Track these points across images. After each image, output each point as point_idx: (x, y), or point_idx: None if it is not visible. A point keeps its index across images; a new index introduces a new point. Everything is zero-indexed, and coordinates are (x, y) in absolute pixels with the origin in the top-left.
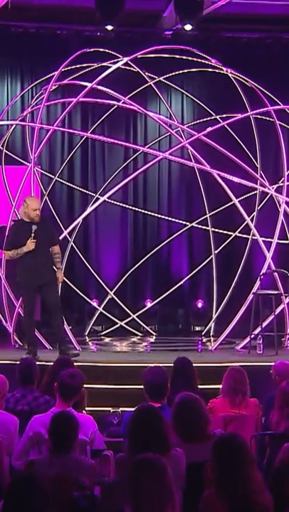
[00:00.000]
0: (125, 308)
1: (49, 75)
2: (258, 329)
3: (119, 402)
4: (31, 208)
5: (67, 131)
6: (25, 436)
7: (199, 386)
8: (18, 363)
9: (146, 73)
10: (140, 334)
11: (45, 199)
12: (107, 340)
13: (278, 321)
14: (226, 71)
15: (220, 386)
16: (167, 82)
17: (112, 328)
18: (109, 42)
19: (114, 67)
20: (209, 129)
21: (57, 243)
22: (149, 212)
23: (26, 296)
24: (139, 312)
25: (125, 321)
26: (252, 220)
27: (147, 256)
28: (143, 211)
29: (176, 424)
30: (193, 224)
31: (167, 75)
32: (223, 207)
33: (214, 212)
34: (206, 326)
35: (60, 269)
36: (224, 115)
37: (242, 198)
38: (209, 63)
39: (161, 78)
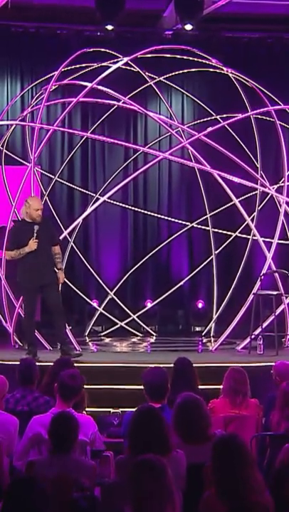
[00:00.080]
0: (125, 309)
1: (49, 75)
2: (259, 330)
3: (120, 402)
4: (33, 208)
5: (67, 131)
6: (25, 437)
7: (200, 386)
8: (18, 363)
9: (147, 73)
10: (140, 335)
11: (45, 199)
12: (107, 340)
13: (279, 322)
14: (227, 71)
15: (220, 386)
16: (167, 82)
17: (112, 328)
18: (110, 42)
19: (114, 67)
20: (210, 129)
21: (58, 243)
22: (149, 213)
23: (27, 297)
24: (140, 312)
25: (125, 322)
26: (252, 220)
27: (147, 256)
28: (143, 211)
29: (177, 424)
30: (194, 224)
31: (167, 75)
32: (223, 207)
33: (214, 212)
34: (206, 327)
35: (61, 270)
36: (224, 115)
37: (242, 198)
38: (210, 63)
39: (161, 78)
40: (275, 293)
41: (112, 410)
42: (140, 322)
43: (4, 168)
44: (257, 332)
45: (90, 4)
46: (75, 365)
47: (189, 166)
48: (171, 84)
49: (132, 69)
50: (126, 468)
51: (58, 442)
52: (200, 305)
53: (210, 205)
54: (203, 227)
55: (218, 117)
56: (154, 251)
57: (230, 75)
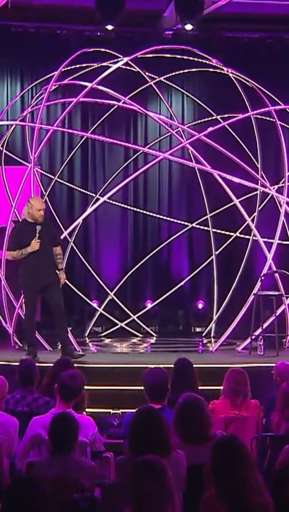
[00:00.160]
0: (125, 309)
1: (49, 75)
2: (259, 330)
3: (120, 403)
4: (35, 209)
5: (67, 131)
6: (25, 438)
7: (200, 387)
8: (18, 364)
9: (147, 73)
10: (140, 335)
11: (45, 199)
12: (107, 341)
13: (279, 322)
14: (227, 71)
15: (220, 387)
16: (168, 82)
17: (113, 329)
18: (110, 42)
19: (114, 67)
20: (210, 129)
21: (59, 244)
22: (150, 213)
23: (28, 297)
24: (140, 313)
25: (125, 322)
26: (253, 220)
27: (148, 257)
28: (143, 212)
29: (178, 424)
30: (194, 224)
31: (168, 75)
32: (223, 207)
33: (215, 212)
34: (206, 327)
35: (62, 270)
36: (225, 115)
37: (243, 198)
38: (210, 63)
39: (161, 78)
40: (275, 293)
41: (112, 411)
42: (140, 323)
43: (4, 169)
44: (257, 333)
45: (90, 4)
46: (75, 365)
47: (189, 166)
48: (172, 84)
49: (132, 69)
50: (126, 469)
51: (58, 443)
52: (200, 305)
53: (210, 206)
54: (203, 227)
55: (218, 117)
56: (155, 251)
57: (231, 75)
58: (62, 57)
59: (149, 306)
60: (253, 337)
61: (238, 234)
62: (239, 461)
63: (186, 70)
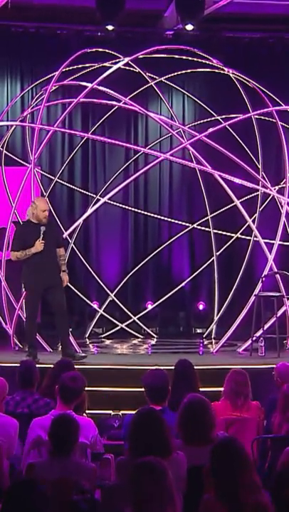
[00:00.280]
0: (126, 311)
1: (49, 76)
2: (260, 331)
3: (120, 405)
4: (40, 209)
5: (68, 132)
6: (27, 441)
7: (201, 389)
8: (18, 365)
9: (147, 73)
10: (141, 336)
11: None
12: (107, 342)
13: (280, 323)
14: (228, 71)
15: (221, 389)
16: (168, 83)
17: (113, 330)
18: (110, 42)
19: (114, 67)
20: (211, 129)
21: (62, 245)
22: (150, 214)
23: (30, 298)
24: (140, 314)
25: (126, 323)
26: (254, 221)
27: (148, 258)
28: (144, 212)
29: (182, 425)
30: (195, 225)
31: (168, 76)
32: (224, 208)
33: (216, 213)
34: (207, 328)
35: (65, 272)
36: (225, 116)
37: (244, 199)
38: (210, 63)
39: (162, 78)
40: (276, 294)
41: (112, 412)
42: (141, 324)
43: (4, 169)
44: (258, 334)
45: (90, 4)
46: (76, 367)
47: (190, 166)
48: (172, 84)
49: (133, 69)
50: (126, 471)
51: (58, 444)
52: (201, 307)
53: (211, 206)
54: (204, 228)
55: (219, 118)
56: (155, 252)
57: (231, 75)
58: (62, 58)
59: (150, 307)
60: (254, 338)
61: (238, 235)
62: (238, 463)
63: (186, 71)
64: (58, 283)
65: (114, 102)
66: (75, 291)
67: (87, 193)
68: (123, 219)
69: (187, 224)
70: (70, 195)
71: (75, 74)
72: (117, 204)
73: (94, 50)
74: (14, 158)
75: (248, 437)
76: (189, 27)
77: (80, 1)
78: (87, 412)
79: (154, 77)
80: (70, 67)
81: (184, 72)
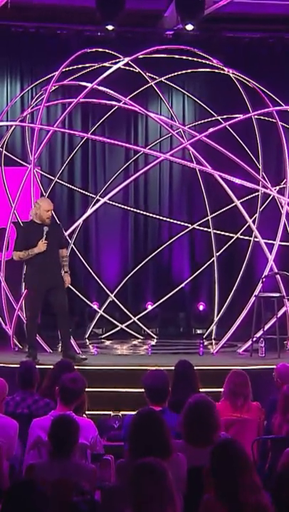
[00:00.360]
0: (126, 311)
1: (49, 76)
2: (260, 332)
3: (120, 405)
4: (43, 209)
5: (68, 132)
6: (29, 442)
7: (201, 390)
8: (18, 366)
9: (147, 73)
10: (141, 337)
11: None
12: (107, 343)
13: (280, 324)
14: (228, 71)
15: (222, 389)
16: (168, 83)
17: (113, 331)
18: (110, 42)
19: (114, 67)
20: (211, 129)
21: (65, 246)
22: (150, 214)
23: (32, 298)
24: (140, 315)
25: (126, 324)
26: (254, 221)
27: (148, 258)
28: (144, 213)
29: (186, 425)
30: (195, 226)
31: (168, 76)
32: (224, 208)
33: (216, 213)
34: (207, 329)
35: (67, 273)
36: (226, 116)
37: (244, 199)
38: (211, 63)
39: (162, 78)
40: (276, 295)
41: (112, 413)
42: (141, 324)
43: (4, 170)
44: (258, 335)
45: (90, 4)
46: (75, 367)
47: (190, 167)
48: (172, 84)
49: (133, 69)
50: (126, 472)
51: (58, 445)
52: (201, 307)
53: (211, 207)
54: (204, 228)
55: (219, 118)
56: (155, 253)
57: (232, 75)
58: (62, 58)
59: (150, 307)
60: (254, 339)
61: (239, 235)
62: (237, 463)
63: (187, 71)
64: (60, 284)
65: (114, 102)
66: (75, 291)
67: (87, 193)
68: (123, 219)
69: (187, 224)
70: (70, 196)
71: (75, 74)
72: (117, 204)
73: (94, 50)
74: (14, 158)
75: (248, 438)
76: (189, 27)
77: (80, 1)
78: (87, 412)
79: (154, 77)
80: (70, 67)
81: (184, 72)
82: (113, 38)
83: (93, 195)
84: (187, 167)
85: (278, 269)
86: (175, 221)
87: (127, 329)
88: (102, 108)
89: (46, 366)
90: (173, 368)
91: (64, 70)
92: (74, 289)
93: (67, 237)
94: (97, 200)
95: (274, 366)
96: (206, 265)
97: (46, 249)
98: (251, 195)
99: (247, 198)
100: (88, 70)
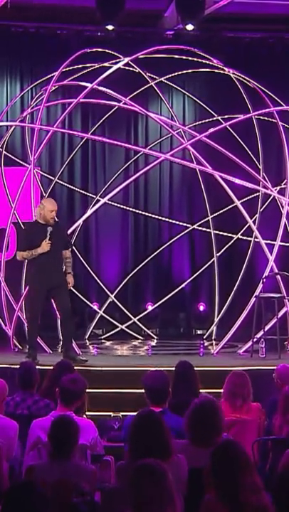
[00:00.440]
0: (126, 312)
1: (49, 76)
2: (261, 333)
3: (120, 406)
4: (48, 210)
5: (68, 132)
6: (29, 443)
7: (201, 390)
8: (18, 366)
9: (148, 74)
10: (141, 338)
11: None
12: (107, 343)
13: (281, 325)
14: (228, 71)
15: (222, 390)
16: (168, 83)
17: (113, 331)
18: (110, 42)
19: (115, 67)
20: (211, 130)
21: (69, 247)
22: (150, 214)
23: (34, 298)
24: (140, 315)
25: (126, 325)
26: (254, 222)
27: (148, 258)
28: (144, 213)
29: (190, 426)
30: (195, 226)
31: (169, 76)
32: (225, 209)
33: (216, 214)
34: (207, 330)
35: (71, 274)
36: (226, 116)
37: (244, 199)
38: (211, 63)
39: (162, 79)
40: (277, 295)
41: (112, 414)
42: (141, 325)
43: (4, 170)
44: (259, 335)
45: (90, 4)
46: (76, 368)
47: (190, 167)
48: (172, 84)
49: (133, 69)
50: (126, 473)
51: (58, 446)
52: (201, 308)
53: (211, 207)
54: (204, 229)
55: (219, 118)
56: (155, 253)
57: (232, 75)
58: (62, 58)
59: (150, 308)
60: (255, 339)
61: (239, 236)
62: (238, 464)
63: (187, 71)
64: (63, 285)
65: (114, 102)
66: (75, 292)
67: (87, 193)
68: (123, 220)
69: (187, 225)
70: (70, 196)
71: (75, 74)
72: (117, 205)
73: (94, 50)
74: (14, 158)
75: (248, 439)
76: (189, 27)
77: (80, 1)
78: (87, 413)
79: (154, 77)
80: (70, 67)
81: (184, 72)
82: (113, 38)
83: (93, 196)
84: (187, 167)
85: (279, 269)
86: (175, 221)
87: (127, 330)
88: (102, 108)
89: (46, 367)
90: (173, 368)
91: (64, 70)
92: (74, 290)
93: None
94: (97, 201)
95: (274, 367)
96: (206, 266)
97: (50, 249)
98: (251, 196)
99: (247, 198)
100: (88, 70)
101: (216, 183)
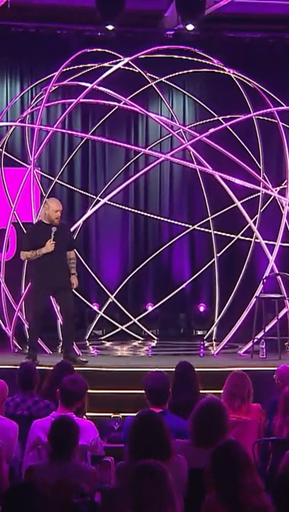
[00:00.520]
0: (126, 312)
1: (49, 76)
2: (261, 333)
3: (120, 407)
4: (52, 210)
5: (68, 132)
6: (28, 444)
7: (201, 391)
8: (18, 367)
9: (148, 74)
10: (141, 338)
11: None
12: (107, 344)
13: (281, 325)
14: (228, 71)
15: (222, 391)
16: (169, 83)
17: (113, 332)
18: (110, 42)
19: (115, 67)
20: (211, 130)
21: (73, 248)
22: (150, 215)
23: (36, 299)
24: (140, 316)
25: (126, 325)
26: (255, 222)
27: (148, 259)
28: (144, 214)
29: (195, 427)
30: (195, 226)
31: (169, 76)
32: (225, 209)
33: (216, 214)
34: (208, 330)
35: (75, 275)
36: (226, 116)
37: (244, 200)
38: (211, 63)
39: (162, 79)
40: (277, 296)
41: (112, 415)
42: (141, 326)
43: (3, 170)
44: (259, 336)
45: (90, 4)
46: (75, 369)
47: (191, 167)
48: (173, 84)
49: (133, 69)
50: (126, 474)
51: (58, 447)
52: (202, 308)
53: (212, 207)
54: (204, 229)
55: (219, 118)
56: (155, 254)
57: (232, 75)
58: (62, 58)
59: (150, 308)
60: (255, 340)
61: (239, 236)
62: (238, 464)
63: (187, 71)
64: (67, 286)
65: (114, 103)
66: (75, 292)
67: (87, 194)
68: (123, 220)
69: (188, 225)
70: (70, 196)
71: (75, 74)
72: (117, 205)
73: (94, 50)
74: (14, 158)
75: (248, 440)
76: (190, 27)
77: (80, 1)
78: (87, 414)
79: (155, 77)
80: (70, 68)
81: (184, 72)
82: (113, 38)
83: (93, 196)
84: (187, 168)
85: (279, 270)
86: (175, 222)
87: (127, 330)
88: (102, 108)
89: (46, 367)
90: (173, 369)
91: (64, 70)
92: (74, 290)
93: None
94: (97, 201)
95: (275, 368)
96: (206, 266)
97: (54, 249)
98: (252, 196)
99: (248, 198)
100: (88, 70)
101: (216, 183)
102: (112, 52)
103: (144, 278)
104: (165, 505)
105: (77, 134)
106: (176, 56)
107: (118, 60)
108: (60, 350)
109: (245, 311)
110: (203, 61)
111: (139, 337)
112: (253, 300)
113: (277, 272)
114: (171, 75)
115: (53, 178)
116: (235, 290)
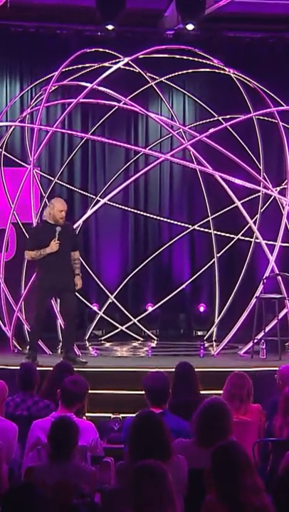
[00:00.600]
0: (126, 313)
1: (49, 76)
2: (261, 334)
3: (120, 408)
4: (57, 209)
5: (67, 132)
6: (28, 444)
7: (201, 391)
8: (18, 367)
9: (148, 74)
10: (141, 339)
11: (45, 201)
12: (107, 344)
13: (282, 326)
14: (229, 71)
15: (222, 391)
16: (169, 83)
17: (113, 332)
18: (110, 42)
19: (115, 67)
20: (211, 130)
21: (78, 249)
22: (150, 215)
23: (40, 299)
24: (140, 316)
25: (126, 326)
26: (255, 222)
27: (148, 259)
28: (144, 214)
29: (198, 428)
30: (195, 227)
31: (169, 76)
32: (225, 209)
33: (216, 214)
34: (208, 331)
35: (79, 276)
36: (226, 116)
37: (245, 200)
38: (211, 63)
39: (162, 79)
40: (277, 296)
41: (112, 416)
42: (141, 326)
43: (3, 170)
44: (259, 336)
45: (90, 4)
46: (75, 369)
47: (191, 167)
48: (173, 84)
49: (133, 69)
50: (126, 474)
51: (58, 448)
52: (202, 309)
53: (212, 208)
54: (204, 229)
55: (220, 118)
56: (155, 254)
57: (232, 75)
58: (62, 57)
59: (150, 309)
60: (255, 341)
61: (240, 236)
62: (238, 465)
63: (187, 71)
64: (70, 286)
65: (114, 103)
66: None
67: (86, 194)
68: (123, 220)
69: (188, 225)
70: (70, 196)
71: (75, 74)
72: (117, 205)
73: (94, 50)
74: (13, 158)
75: (249, 440)
76: (190, 27)
77: (80, 1)
78: (87, 414)
79: (155, 77)
80: (70, 67)
81: (184, 72)
82: (113, 38)
83: (93, 196)
84: (187, 168)
85: (279, 270)
86: (175, 222)
87: (127, 331)
88: (102, 108)
89: (46, 368)
90: (173, 369)
91: (64, 70)
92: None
93: None
94: (97, 201)
95: (275, 368)
96: (206, 266)
97: (58, 249)
98: (252, 196)
99: (248, 198)
100: (88, 70)
101: (217, 183)
102: (112, 52)
103: (144, 278)
104: (165, 506)
105: (76, 134)
106: (176, 56)
107: (118, 60)
108: (60, 351)
109: (245, 311)
110: (204, 61)
111: (139, 337)
112: (253, 300)
113: (277, 272)
114: (171, 75)
115: (52, 178)
116: (235, 290)
